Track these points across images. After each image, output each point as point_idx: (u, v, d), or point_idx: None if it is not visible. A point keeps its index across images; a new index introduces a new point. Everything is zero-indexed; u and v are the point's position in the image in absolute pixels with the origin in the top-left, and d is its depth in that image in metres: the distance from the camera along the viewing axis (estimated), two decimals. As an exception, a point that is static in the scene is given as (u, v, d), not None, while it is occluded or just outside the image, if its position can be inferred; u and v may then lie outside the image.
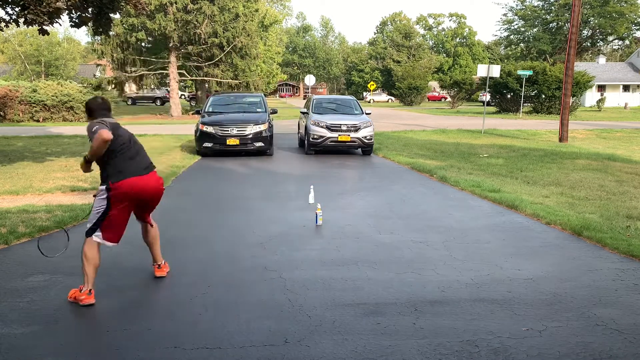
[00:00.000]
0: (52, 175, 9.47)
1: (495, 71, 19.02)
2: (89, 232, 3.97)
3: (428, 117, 31.08)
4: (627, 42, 61.68)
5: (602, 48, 65.09)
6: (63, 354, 3.14)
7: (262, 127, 12.36)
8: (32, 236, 5.54)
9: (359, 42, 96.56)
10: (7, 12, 9.78)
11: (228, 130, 12.14)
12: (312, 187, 7.43)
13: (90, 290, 3.87)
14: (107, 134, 3.79)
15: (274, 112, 14.07)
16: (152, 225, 4.45)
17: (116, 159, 3.96)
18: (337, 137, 12.42)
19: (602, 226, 5.95)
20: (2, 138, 16.28)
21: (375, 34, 78.72)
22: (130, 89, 47.62)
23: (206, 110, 13.50)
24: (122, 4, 10.50)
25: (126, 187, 3.94)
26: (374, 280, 4.36)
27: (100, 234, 3.96)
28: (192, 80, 33.88)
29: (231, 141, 12.07)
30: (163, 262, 4.51)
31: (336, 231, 5.90)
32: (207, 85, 34.18)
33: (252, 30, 29.85)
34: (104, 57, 29.06)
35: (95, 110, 4.13)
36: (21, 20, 9.30)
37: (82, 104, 25.15)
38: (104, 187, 3.96)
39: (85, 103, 4.40)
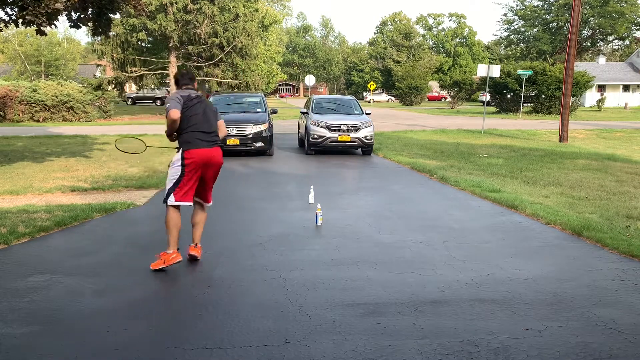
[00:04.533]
0: (52, 175, 9.47)
1: (495, 71, 19.02)
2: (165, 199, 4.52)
3: (428, 117, 31.08)
4: (627, 42, 61.68)
5: (602, 48, 65.08)
6: (63, 354, 3.14)
7: (262, 127, 12.36)
8: (32, 236, 5.54)
9: (359, 42, 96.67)
10: (6, 13, 9.77)
11: (228, 130, 12.10)
12: (312, 187, 7.43)
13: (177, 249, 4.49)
14: (174, 114, 4.38)
15: (274, 112, 14.06)
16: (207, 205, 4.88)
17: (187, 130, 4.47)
18: (337, 137, 12.42)
19: (602, 226, 5.94)
20: (2, 138, 16.28)
21: (375, 34, 78.77)
22: (130, 88, 47.62)
23: (206, 110, 13.47)
24: (122, 4, 10.48)
25: (196, 156, 4.47)
26: (374, 280, 4.36)
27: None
28: (192, 80, 33.83)
29: (231, 141, 12.06)
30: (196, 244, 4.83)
31: (336, 231, 5.89)
32: (207, 85, 34.18)
33: (252, 30, 29.87)
34: (104, 57, 29.11)
35: (179, 80, 4.72)
36: (20, 20, 9.29)
37: (82, 104, 25.19)
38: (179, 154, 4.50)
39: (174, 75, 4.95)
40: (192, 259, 4.76)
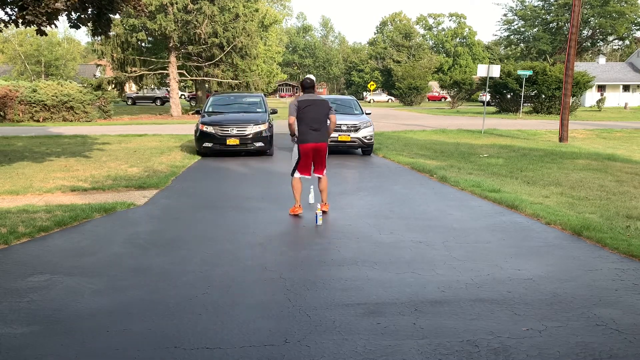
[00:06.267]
0: (52, 175, 9.47)
1: (495, 71, 19.01)
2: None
3: (428, 117, 31.09)
4: (627, 42, 61.69)
5: (602, 48, 65.09)
6: (63, 354, 3.14)
7: (262, 127, 12.36)
8: (32, 236, 5.54)
9: (359, 42, 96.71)
10: (6, 13, 9.77)
11: (228, 130, 12.13)
12: (312, 187, 7.42)
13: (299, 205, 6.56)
14: (290, 120, 6.40)
15: (274, 112, 14.06)
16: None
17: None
18: (337, 137, 12.41)
19: (602, 226, 5.94)
20: (2, 138, 16.29)
21: (375, 34, 78.81)
22: (130, 88, 47.62)
23: (206, 110, 13.49)
24: (122, 5, 10.48)
25: (305, 147, 6.42)
26: (374, 280, 4.36)
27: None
28: (192, 80, 33.87)
29: (231, 141, 12.06)
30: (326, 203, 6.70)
31: (336, 231, 5.90)
32: (207, 85, 34.17)
33: (252, 30, 29.85)
34: (104, 57, 29.08)
35: (303, 87, 6.51)
36: (20, 20, 9.28)
37: (82, 104, 25.20)
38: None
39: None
40: (324, 213, 6.44)
